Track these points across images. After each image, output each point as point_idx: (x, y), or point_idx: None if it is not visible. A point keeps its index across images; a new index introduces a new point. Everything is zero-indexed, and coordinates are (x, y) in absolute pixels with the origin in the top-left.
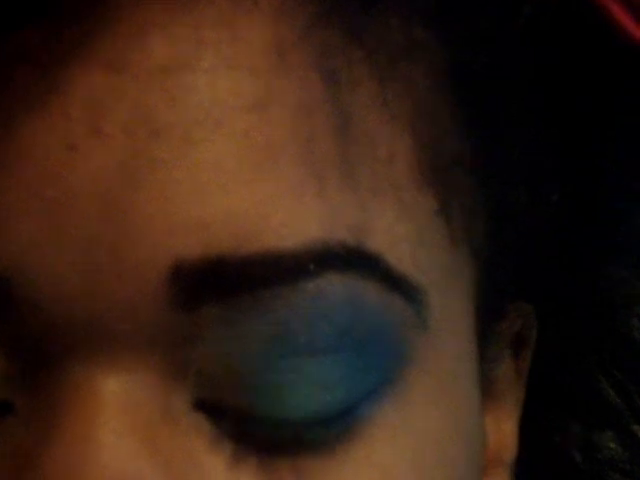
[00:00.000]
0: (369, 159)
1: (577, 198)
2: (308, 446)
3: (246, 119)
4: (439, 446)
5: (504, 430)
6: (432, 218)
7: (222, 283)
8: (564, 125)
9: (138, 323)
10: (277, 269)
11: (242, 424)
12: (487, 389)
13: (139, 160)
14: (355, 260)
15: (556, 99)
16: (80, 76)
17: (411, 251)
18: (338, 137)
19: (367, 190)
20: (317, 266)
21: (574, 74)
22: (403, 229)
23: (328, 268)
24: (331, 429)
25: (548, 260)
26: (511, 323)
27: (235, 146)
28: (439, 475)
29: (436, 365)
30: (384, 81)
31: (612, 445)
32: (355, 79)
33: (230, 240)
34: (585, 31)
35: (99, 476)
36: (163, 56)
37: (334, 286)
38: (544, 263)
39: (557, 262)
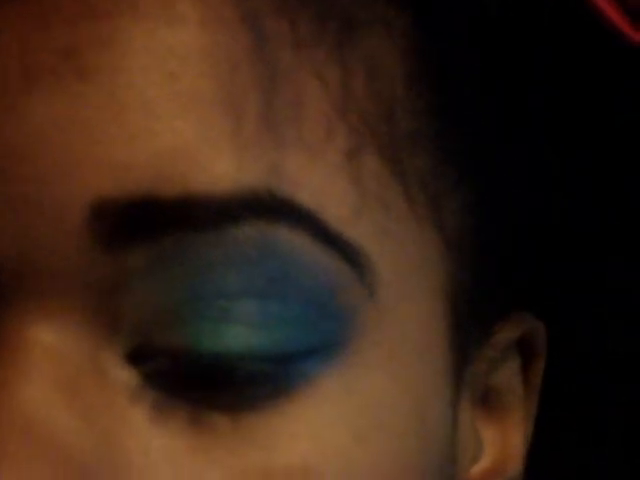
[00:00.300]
0: (299, 117)
1: (574, 200)
2: (245, 401)
3: (174, 66)
4: (383, 418)
5: (510, 443)
6: (382, 188)
7: (145, 225)
8: (552, 122)
9: (63, 263)
10: (202, 213)
11: (174, 374)
12: (489, 398)
13: (66, 101)
14: (285, 210)
15: (539, 94)
16: (13, 19)
17: (352, 214)
18: (266, 92)
19: (300, 146)
20: (244, 212)
21: (557, 69)
22: (340, 189)
23: (255, 215)
24: (270, 381)
25: (547, 267)
26: (509, 331)
27: (162, 91)
28: (381, 447)
29: (388, 340)
30: (332, 47)
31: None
32: (294, 40)
33: (155, 181)
34: (574, 28)
35: (8, 421)
36: (96, 2)
37: (261, 233)
38: (544, 270)
39: (557, 270)
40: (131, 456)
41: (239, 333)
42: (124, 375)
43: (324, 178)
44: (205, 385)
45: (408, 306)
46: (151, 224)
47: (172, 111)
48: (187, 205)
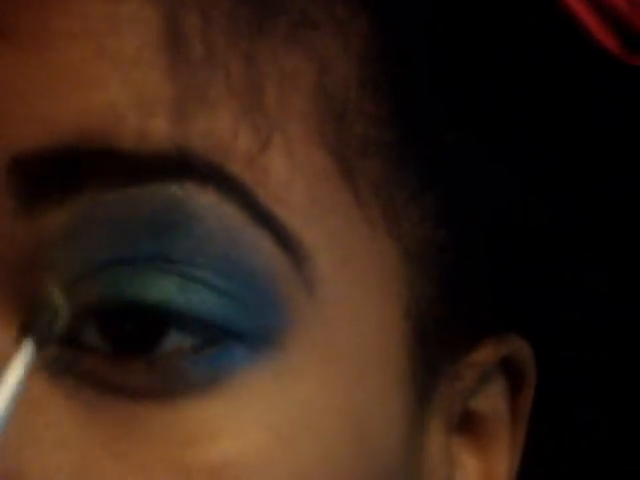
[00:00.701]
0: (253, 85)
1: (551, 209)
2: (169, 388)
3: (109, 30)
4: (312, 420)
5: (494, 472)
6: (329, 185)
7: (66, 179)
8: (522, 128)
9: None
10: (127, 169)
11: (98, 351)
12: (472, 423)
13: None
14: (214, 175)
15: (506, 100)
16: None
17: (290, 201)
18: (207, 67)
19: (238, 118)
20: (171, 171)
21: (525, 71)
22: (280, 174)
23: (183, 176)
24: (196, 365)
25: (530, 285)
26: (490, 351)
27: (92, 53)
28: (306, 450)
29: (325, 341)
30: (278, 40)
31: None
32: (233, 26)
33: (78, 136)
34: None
35: None
36: None
37: (188, 195)
38: (526, 288)
39: (540, 286)
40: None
41: (163, 290)
42: (40, 357)
43: (261, 157)
44: (126, 363)
45: (353, 309)
46: (72, 179)
47: (100, 71)
48: (110, 160)
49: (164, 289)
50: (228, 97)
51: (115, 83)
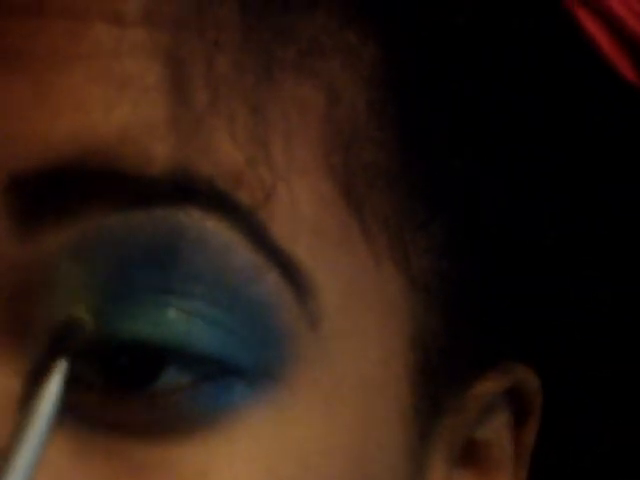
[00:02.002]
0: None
1: (560, 237)
2: (162, 425)
3: (111, 51)
4: (312, 460)
5: None
6: (335, 217)
7: (64, 199)
8: (531, 152)
9: None
10: (129, 191)
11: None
12: (474, 454)
13: None
14: (220, 202)
15: (515, 125)
16: None
17: (297, 232)
18: (212, 89)
19: (249, 147)
20: (175, 195)
21: (534, 94)
22: (286, 203)
23: (189, 203)
24: (190, 401)
25: (537, 315)
26: (495, 382)
27: (96, 78)
28: None
29: (329, 378)
30: (296, 67)
31: None
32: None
33: (78, 155)
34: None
35: None
36: None
37: (193, 223)
38: (533, 318)
39: (546, 317)
40: None
41: (161, 324)
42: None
43: (268, 186)
44: (122, 400)
45: (357, 344)
46: (72, 200)
47: (107, 93)
48: (112, 182)
49: (162, 324)
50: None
51: (120, 105)
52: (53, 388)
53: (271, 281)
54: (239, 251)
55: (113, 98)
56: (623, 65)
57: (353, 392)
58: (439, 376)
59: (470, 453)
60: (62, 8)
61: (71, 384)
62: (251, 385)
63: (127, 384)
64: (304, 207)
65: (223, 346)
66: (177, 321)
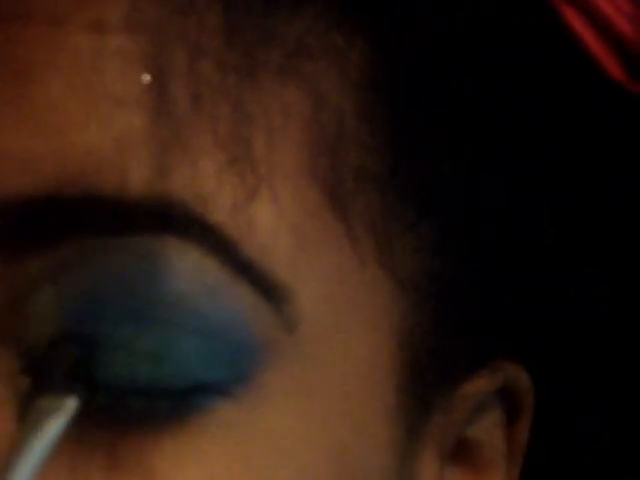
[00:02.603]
0: (240, 135)
1: (549, 234)
2: (136, 422)
3: (91, 68)
4: (289, 457)
5: None
6: (319, 222)
7: (45, 226)
8: (521, 153)
9: None
10: (108, 217)
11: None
12: (466, 452)
13: None
14: (197, 229)
15: (507, 129)
16: None
17: (274, 245)
18: (193, 106)
19: (221, 166)
20: (153, 222)
21: (528, 99)
22: (270, 218)
23: (166, 230)
24: (163, 409)
25: (527, 312)
26: (486, 380)
27: (75, 91)
28: None
29: (307, 377)
30: (280, 69)
31: None
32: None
33: (57, 179)
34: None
35: None
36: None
37: (169, 250)
38: (523, 316)
39: (537, 314)
40: None
41: (133, 360)
42: (14, 391)
43: (247, 205)
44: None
45: (341, 345)
46: (52, 225)
47: (84, 110)
48: (90, 207)
49: (136, 352)
50: (214, 146)
51: (97, 125)
52: (57, 427)
53: (246, 301)
54: (212, 276)
55: (90, 114)
56: (610, 63)
57: (335, 391)
58: (428, 375)
59: (462, 452)
60: (42, 15)
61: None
62: (225, 392)
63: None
64: (285, 209)
65: (200, 367)
66: (152, 348)
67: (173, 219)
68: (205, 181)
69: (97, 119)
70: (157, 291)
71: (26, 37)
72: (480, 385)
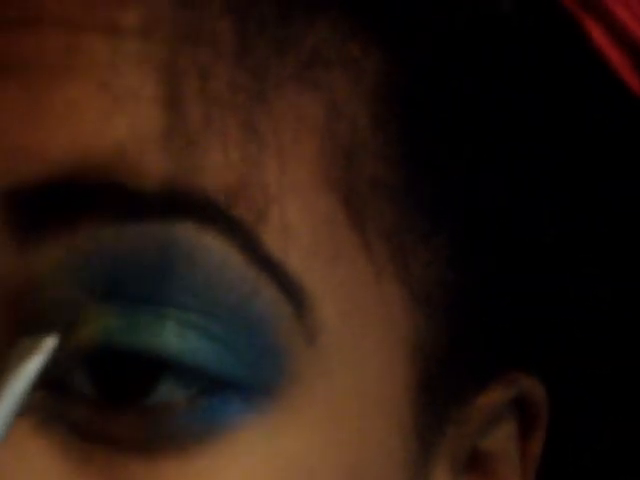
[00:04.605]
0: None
1: (563, 246)
2: (160, 438)
3: (107, 65)
4: (308, 475)
5: None
6: (337, 230)
7: (61, 210)
8: (534, 163)
9: None
10: (126, 204)
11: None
12: (480, 464)
13: None
14: (219, 219)
15: (520, 138)
16: None
17: (294, 248)
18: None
19: (245, 160)
20: (171, 211)
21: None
22: (285, 219)
23: (187, 217)
24: (186, 416)
25: (542, 324)
26: (500, 392)
27: (92, 91)
28: None
29: (326, 393)
30: (295, 80)
31: None
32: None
33: (76, 167)
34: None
35: None
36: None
37: (191, 237)
38: (538, 327)
39: (552, 326)
40: None
41: (157, 335)
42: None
43: (261, 208)
44: (114, 413)
45: (356, 359)
46: (69, 213)
47: (104, 106)
48: (110, 195)
49: (158, 336)
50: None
51: (116, 119)
52: (36, 361)
53: (267, 296)
54: (235, 266)
55: (109, 112)
56: (625, 71)
57: (351, 406)
58: (441, 388)
59: (475, 463)
60: (58, 20)
61: (64, 394)
62: (247, 401)
63: (120, 397)
64: (299, 224)
65: (219, 361)
66: (173, 334)
67: (196, 207)
68: (227, 175)
69: (116, 112)
70: (176, 278)
71: (43, 41)
72: (494, 397)
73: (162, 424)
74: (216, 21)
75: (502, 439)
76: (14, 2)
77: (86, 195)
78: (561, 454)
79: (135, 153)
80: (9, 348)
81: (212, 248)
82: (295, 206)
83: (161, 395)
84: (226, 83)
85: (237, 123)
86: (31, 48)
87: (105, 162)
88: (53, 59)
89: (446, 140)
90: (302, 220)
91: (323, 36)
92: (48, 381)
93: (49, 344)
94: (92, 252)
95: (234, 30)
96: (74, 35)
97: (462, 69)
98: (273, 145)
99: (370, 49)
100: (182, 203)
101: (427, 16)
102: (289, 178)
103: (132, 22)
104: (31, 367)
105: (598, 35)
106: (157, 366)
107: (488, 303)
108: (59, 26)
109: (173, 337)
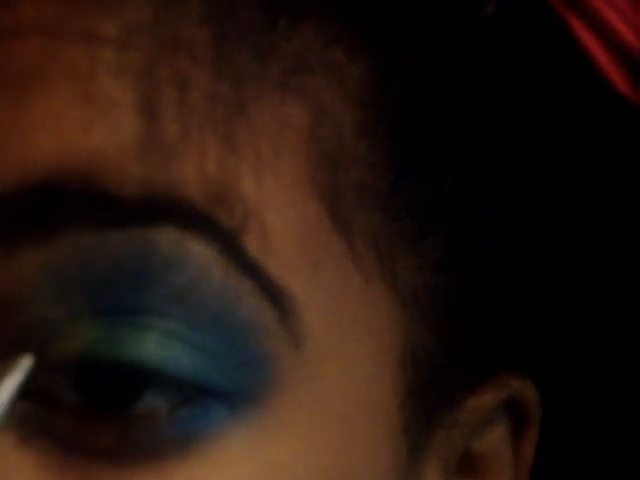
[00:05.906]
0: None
1: (550, 249)
2: (138, 453)
3: (85, 71)
4: None
5: None
6: (322, 235)
7: (42, 218)
8: (524, 171)
9: None
10: (107, 211)
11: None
12: (472, 465)
13: None
14: (201, 224)
15: (510, 145)
16: None
17: (279, 253)
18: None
19: (227, 163)
20: (153, 216)
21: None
22: (272, 227)
23: (168, 223)
24: (168, 426)
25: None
26: (491, 394)
27: (72, 98)
28: None
29: (312, 400)
30: (279, 87)
31: None
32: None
33: (55, 176)
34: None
35: None
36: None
37: (172, 243)
38: (527, 329)
39: (541, 327)
40: None
41: (139, 345)
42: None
43: (245, 210)
44: (95, 423)
45: (343, 364)
46: (51, 220)
47: (84, 114)
48: (91, 201)
49: (140, 347)
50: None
51: (96, 126)
52: (12, 382)
53: (250, 302)
54: (217, 273)
55: (88, 120)
56: (616, 75)
57: (338, 412)
58: (431, 392)
59: (468, 465)
60: (37, 29)
61: (47, 405)
62: (231, 409)
63: (102, 407)
64: (281, 230)
65: (202, 369)
66: (155, 344)
67: (177, 213)
68: (210, 180)
69: (96, 120)
70: (157, 285)
71: (23, 49)
72: (485, 399)
73: (144, 434)
74: (195, 30)
75: (494, 441)
76: None
77: (66, 202)
78: (555, 454)
79: (115, 160)
80: None
81: (193, 252)
82: (277, 214)
83: (145, 404)
84: (205, 94)
85: (215, 135)
86: (12, 56)
87: (85, 169)
88: (32, 68)
89: (431, 145)
90: (285, 226)
91: (307, 42)
92: (31, 392)
93: (25, 364)
94: (73, 260)
95: (213, 39)
96: (53, 44)
97: (448, 74)
98: (252, 156)
99: (355, 54)
100: (162, 208)
101: (412, 21)
102: (270, 187)
103: (111, 31)
104: (8, 384)
105: (584, 34)
106: (140, 376)
107: (477, 306)
108: (38, 35)
109: (155, 348)
